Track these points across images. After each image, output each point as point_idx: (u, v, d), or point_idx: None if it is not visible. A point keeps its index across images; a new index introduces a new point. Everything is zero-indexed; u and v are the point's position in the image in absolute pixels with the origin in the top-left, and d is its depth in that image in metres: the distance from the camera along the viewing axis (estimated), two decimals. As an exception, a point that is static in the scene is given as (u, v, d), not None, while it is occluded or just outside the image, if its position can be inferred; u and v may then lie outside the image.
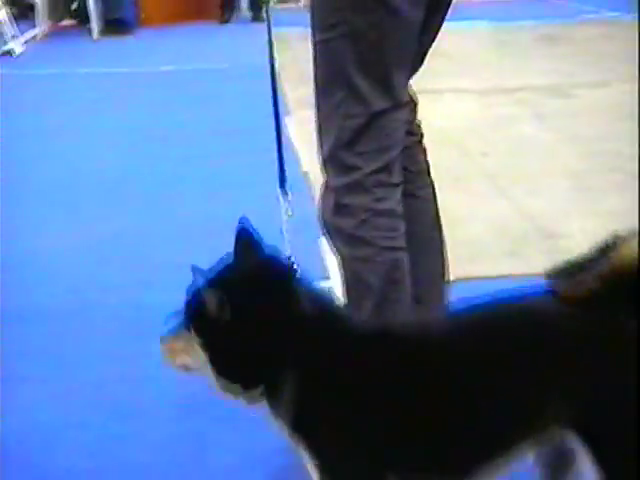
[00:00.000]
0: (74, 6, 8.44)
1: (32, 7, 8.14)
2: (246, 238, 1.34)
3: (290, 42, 7.44)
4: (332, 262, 2.76)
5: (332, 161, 1.74)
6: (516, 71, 5.80)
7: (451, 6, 1.89)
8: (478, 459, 1.31)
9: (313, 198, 3.43)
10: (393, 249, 1.76)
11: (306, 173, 3.74)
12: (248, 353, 1.30)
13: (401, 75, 1.76)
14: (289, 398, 1.29)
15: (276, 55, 6.59)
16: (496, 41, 7.27)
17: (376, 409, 1.30)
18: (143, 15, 8.42)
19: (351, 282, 1.77)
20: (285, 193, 1.92)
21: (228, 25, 8.43)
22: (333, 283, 2.62)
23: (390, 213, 1.76)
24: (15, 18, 7.32)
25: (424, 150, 2.00)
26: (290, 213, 1.88)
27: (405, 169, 1.84)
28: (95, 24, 7.78)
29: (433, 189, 1.98)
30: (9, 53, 6.81)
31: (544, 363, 1.28)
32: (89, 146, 4.38)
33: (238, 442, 1.85)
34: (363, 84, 1.69)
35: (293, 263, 1.51)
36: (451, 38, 7.99)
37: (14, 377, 2.14)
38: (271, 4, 9.85)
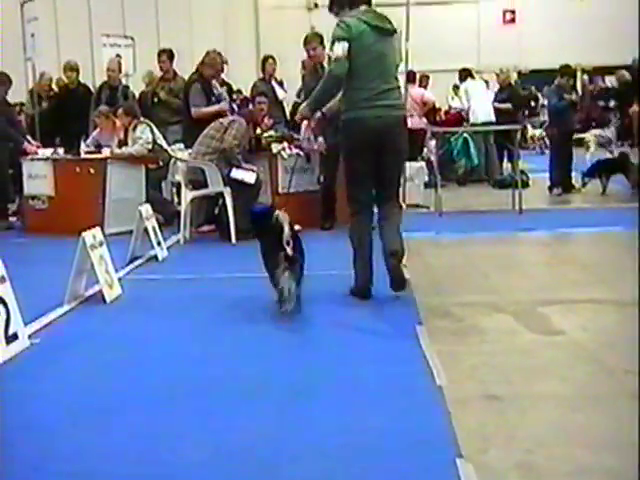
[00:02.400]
0: (215, 212, 8.95)
1: (178, 214, 8.70)
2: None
3: (420, 248, 7.59)
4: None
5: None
6: (656, 281, 5.65)
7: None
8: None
9: (449, 412, 3.37)
10: (359, 231, 5.56)
11: (440, 387, 3.67)
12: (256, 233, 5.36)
13: (367, 183, 5.54)
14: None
15: (406, 262, 6.75)
16: (632, 248, 7.14)
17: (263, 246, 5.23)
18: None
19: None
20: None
21: (330, 231, 8.64)
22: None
23: (359, 221, 5.58)
24: (160, 225, 7.79)
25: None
26: None
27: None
28: (233, 230, 8.18)
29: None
30: (155, 258, 7.21)
31: None
32: (223, 352, 4.47)
33: None
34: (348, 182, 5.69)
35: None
36: (584, 245, 8.07)
37: None
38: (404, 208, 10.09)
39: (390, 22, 5.58)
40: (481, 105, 13.36)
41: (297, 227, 5.07)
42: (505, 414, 3.38)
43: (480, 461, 2.87)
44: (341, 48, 5.32)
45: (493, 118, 13.10)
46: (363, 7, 5.53)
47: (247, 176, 8.37)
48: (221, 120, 8.67)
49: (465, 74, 14.15)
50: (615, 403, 3.44)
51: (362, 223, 5.59)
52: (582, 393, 3.60)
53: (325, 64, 8.43)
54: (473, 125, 13.27)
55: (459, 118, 14.69)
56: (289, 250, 4.84)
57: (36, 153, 9.74)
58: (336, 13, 5.70)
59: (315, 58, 8.75)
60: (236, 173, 8.37)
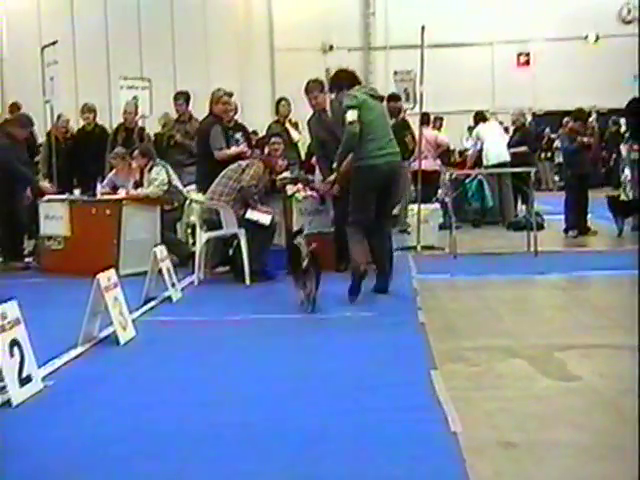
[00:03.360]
0: (229, 253, 8.96)
1: (192, 255, 8.71)
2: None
3: (435, 290, 7.56)
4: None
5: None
6: (672, 325, 5.59)
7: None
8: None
9: (464, 460, 3.32)
10: (356, 232, 7.08)
11: (455, 434, 3.63)
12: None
13: (370, 210, 7.02)
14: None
15: (420, 304, 6.72)
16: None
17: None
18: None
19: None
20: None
21: (344, 273, 8.54)
22: None
23: (356, 228, 7.08)
24: (175, 266, 7.81)
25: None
26: None
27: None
28: (247, 271, 8.17)
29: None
30: (169, 299, 7.21)
31: None
32: (236, 397, 4.44)
33: None
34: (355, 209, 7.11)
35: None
36: (600, 288, 8.01)
37: None
38: (418, 250, 10.16)
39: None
40: (495, 147, 13.40)
41: (313, 244, 6.64)
42: (521, 462, 3.33)
43: (496, 511, 2.82)
44: (352, 115, 6.91)
45: (508, 158, 13.13)
46: (357, 87, 7.27)
47: (262, 217, 8.39)
48: (240, 162, 8.72)
49: (479, 118, 14.22)
50: (633, 452, 3.38)
51: (358, 229, 7.04)
52: (599, 441, 3.55)
53: (327, 108, 8.53)
54: (487, 167, 13.29)
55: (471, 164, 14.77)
56: (304, 265, 6.44)
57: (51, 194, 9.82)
58: (335, 95, 7.62)
59: (318, 105, 8.80)
60: (251, 214, 8.39)
